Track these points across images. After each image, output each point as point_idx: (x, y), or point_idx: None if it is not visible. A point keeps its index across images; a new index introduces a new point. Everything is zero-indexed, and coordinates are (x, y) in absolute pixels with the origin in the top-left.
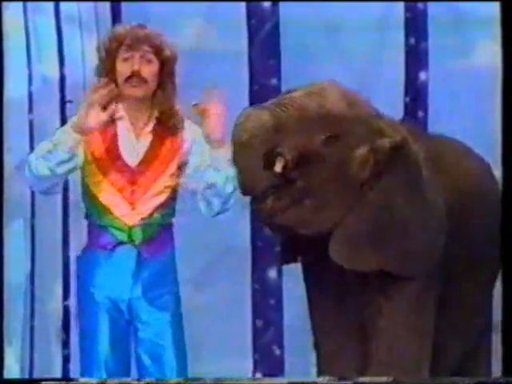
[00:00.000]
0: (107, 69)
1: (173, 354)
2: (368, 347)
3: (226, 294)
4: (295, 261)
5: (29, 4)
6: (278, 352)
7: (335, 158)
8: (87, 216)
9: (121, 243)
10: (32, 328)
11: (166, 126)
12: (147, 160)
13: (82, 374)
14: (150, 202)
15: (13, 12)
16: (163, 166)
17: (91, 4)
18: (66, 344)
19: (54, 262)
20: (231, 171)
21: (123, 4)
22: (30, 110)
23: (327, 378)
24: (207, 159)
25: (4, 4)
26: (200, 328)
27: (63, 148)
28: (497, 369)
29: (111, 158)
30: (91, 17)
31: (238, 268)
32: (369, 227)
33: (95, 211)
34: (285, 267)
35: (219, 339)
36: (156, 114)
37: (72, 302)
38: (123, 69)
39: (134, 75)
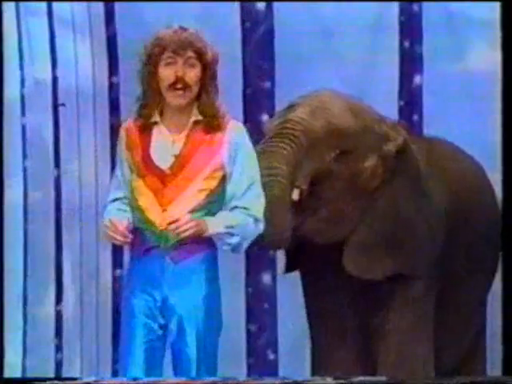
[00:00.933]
0: (150, 74)
1: (204, 355)
2: (375, 349)
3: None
4: (296, 268)
5: (21, 5)
6: (272, 357)
7: (347, 172)
8: (133, 220)
9: (153, 246)
10: (25, 333)
11: (208, 128)
12: (180, 163)
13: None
14: (183, 204)
15: (5, 13)
16: (197, 169)
17: (84, 6)
18: (59, 349)
19: (46, 267)
20: (261, 211)
21: (117, 6)
22: (23, 114)
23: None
24: (252, 170)
25: (4, 5)
26: None
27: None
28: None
29: (145, 162)
30: (84, 19)
31: (231, 272)
32: (381, 234)
33: (135, 215)
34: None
35: None
36: (195, 118)
37: (65, 306)
38: (167, 74)
39: (178, 81)
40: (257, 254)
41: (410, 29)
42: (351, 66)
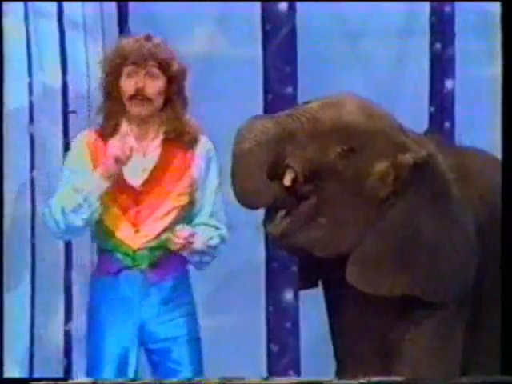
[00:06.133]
0: (111, 84)
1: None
2: (389, 371)
3: (239, 317)
4: (315, 285)
5: (30, 7)
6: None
7: (351, 173)
8: (93, 239)
9: (126, 268)
10: (32, 355)
11: (179, 143)
12: (153, 179)
13: None
14: (157, 223)
15: (13, 16)
16: (171, 185)
17: (96, 8)
18: (67, 371)
19: (55, 285)
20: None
21: (130, 8)
22: (31, 121)
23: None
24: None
25: (10, 5)
26: (212, 354)
27: (94, 199)
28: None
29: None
30: (96, 21)
31: (251, 290)
32: (390, 248)
33: (100, 234)
34: None
35: (232, 365)
36: (164, 129)
37: (74, 326)
38: (127, 86)
39: (139, 93)
40: (277, 270)
41: (442, 30)
42: (379, 69)
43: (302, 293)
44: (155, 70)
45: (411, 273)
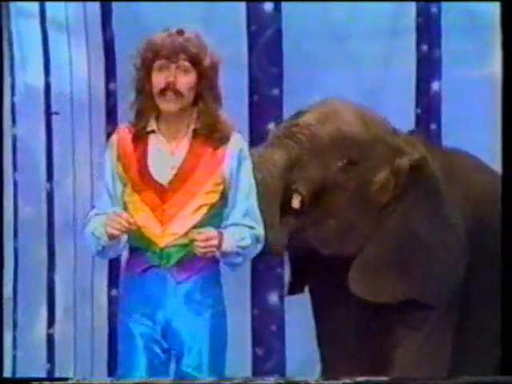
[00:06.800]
0: (143, 79)
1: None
2: (378, 373)
3: None
4: (302, 291)
5: (12, 7)
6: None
7: (354, 184)
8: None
9: (153, 266)
10: (14, 358)
11: (209, 140)
12: (181, 177)
13: None
14: (185, 221)
15: None
16: (199, 183)
17: (80, 8)
18: (50, 374)
19: (38, 287)
20: (263, 230)
21: (114, 7)
22: (14, 123)
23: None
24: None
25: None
26: None
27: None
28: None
29: (141, 175)
30: (80, 22)
31: (236, 292)
32: (392, 255)
33: (130, 233)
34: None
35: None
36: (194, 126)
37: (57, 329)
38: (158, 80)
39: (169, 88)
40: (262, 273)
41: (428, 31)
42: (365, 71)
43: (286, 296)
44: (186, 64)
45: (410, 277)
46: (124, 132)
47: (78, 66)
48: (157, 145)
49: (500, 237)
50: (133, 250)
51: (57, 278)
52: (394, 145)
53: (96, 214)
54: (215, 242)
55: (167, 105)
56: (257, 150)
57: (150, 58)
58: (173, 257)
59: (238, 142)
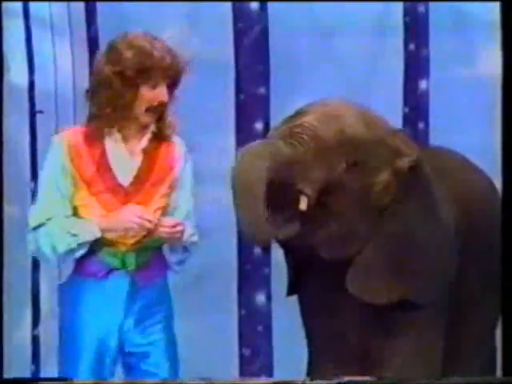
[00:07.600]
0: (128, 88)
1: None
2: (372, 374)
3: (210, 320)
4: (299, 291)
5: None
6: None
7: (357, 185)
8: None
9: (113, 270)
10: None
11: (161, 143)
12: (140, 179)
13: None
14: None
15: None
16: (156, 186)
17: (64, 6)
18: (35, 376)
19: (22, 289)
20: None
21: (98, 6)
22: None
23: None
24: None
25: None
26: (183, 358)
27: (88, 242)
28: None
29: (103, 177)
30: (64, 20)
31: (223, 292)
32: (390, 257)
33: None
34: (274, 290)
35: (204, 369)
36: (149, 129)
37: (41, 330)
38: (150, 97)
39: (159, 106)
40: (250, 273)
41: (416, 30)
42: (352, 69)
43: (274, 296)
44: (174, 85)
45: (406, 277)
46: (73, 133)
47: (62, 64)
48: (114, 145)
49: (500, 237)
50: (89, 254)
51: (41, 279)
52: (394, 145)
53: (48, 219)
54: (181, 228)
55: (148, 119)
56: (254, 145)
57: (143, 71)
58: (133, 260)
59: (182, 144)
